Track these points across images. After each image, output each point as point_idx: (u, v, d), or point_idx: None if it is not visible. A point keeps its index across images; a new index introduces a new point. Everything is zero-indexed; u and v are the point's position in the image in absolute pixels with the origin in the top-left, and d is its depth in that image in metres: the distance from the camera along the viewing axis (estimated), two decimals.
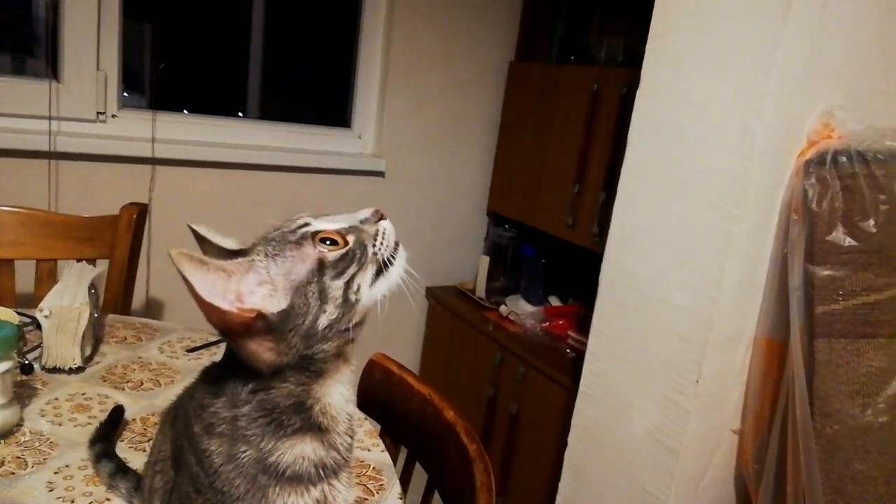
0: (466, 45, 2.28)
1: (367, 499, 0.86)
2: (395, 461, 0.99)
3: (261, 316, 0.49)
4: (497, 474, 2.02)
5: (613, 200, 1.44)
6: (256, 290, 0.50)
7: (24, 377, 1.01)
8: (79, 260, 1.29)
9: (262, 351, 0.50)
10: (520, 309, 2.18)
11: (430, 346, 2.48)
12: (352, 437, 0.57)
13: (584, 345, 1.52)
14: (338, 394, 0.55)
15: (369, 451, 0.97)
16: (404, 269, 0.55)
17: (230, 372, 0.52)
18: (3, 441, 0.86)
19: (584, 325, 1.60)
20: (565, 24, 2.26)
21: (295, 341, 0.50)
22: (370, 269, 0.53)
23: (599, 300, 1.48)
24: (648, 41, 1.33)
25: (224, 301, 0.48)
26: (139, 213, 1.48)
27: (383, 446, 0.99)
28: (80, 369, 1.07)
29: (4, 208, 1.41)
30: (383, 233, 0.55)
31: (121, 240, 1.45)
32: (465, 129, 2.37)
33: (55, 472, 0.81)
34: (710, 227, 1.21)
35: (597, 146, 1.90)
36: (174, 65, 2.07)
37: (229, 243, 0.55)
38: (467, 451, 0.88)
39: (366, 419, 1.05)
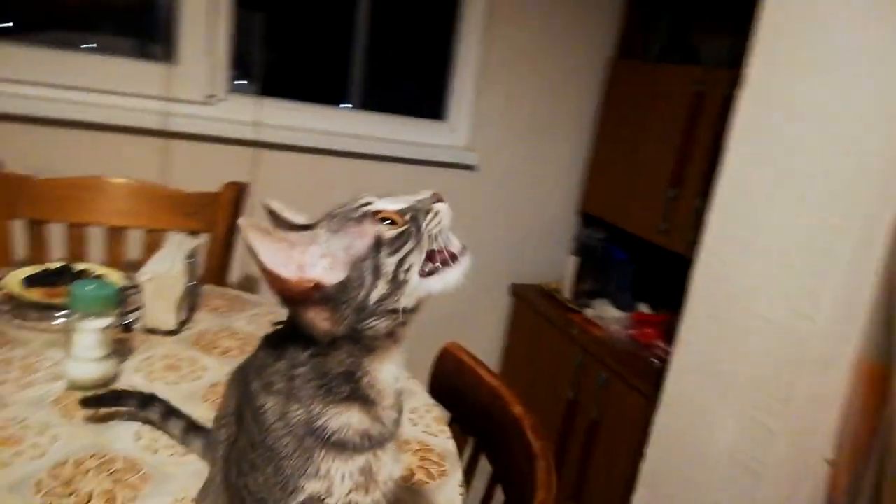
0: (564, 42, 2.25)
1: (427, 482, 0.87)
2: (461, 451, 0.99)
3: (319, 287, 0.52)
4: (573, 479, 1.99)
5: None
6: (318, 262, 0.53)
7: (124, 335, 1.10)
8: (182, 232, 1.37)
9: (319, 320, 0.53)
10: (606, 313, 2.13)
11: (511, 343, 2.47)
12: (398, 413, 0.58)
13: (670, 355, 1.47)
14: (387, 370, 0.56)
15: (435, 436, 0.97)
16: (464, 274, 0.56)
17: (292, 338, 0.55)
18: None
19: (672, 335, 1.54)
20: (669, 21, 2.18)
21: (348, 313, 0.53)
22: (423, 249, 0.54)
23: (688, 309, 1.42)
24: (755, 41, 1.26)
25: (287, 270, 0.51)
26: (239, 192, 1.56)
27: (449, 434, 0.99)
28: (174, 332, 1.14)
29: (121, 180, 1.53)
30: (437, 213, 0.56)
31: (221, 215, 1.54)
32: (558, 125, 2.33)
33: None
34: (811, 240, 1.13)
35: (697, 149, 1.82)
36: (283, 54, 2.18)
37: (299, 218, 0.58)
38: (531, 448, 0.87)
39: (435, 405, 1.06)
